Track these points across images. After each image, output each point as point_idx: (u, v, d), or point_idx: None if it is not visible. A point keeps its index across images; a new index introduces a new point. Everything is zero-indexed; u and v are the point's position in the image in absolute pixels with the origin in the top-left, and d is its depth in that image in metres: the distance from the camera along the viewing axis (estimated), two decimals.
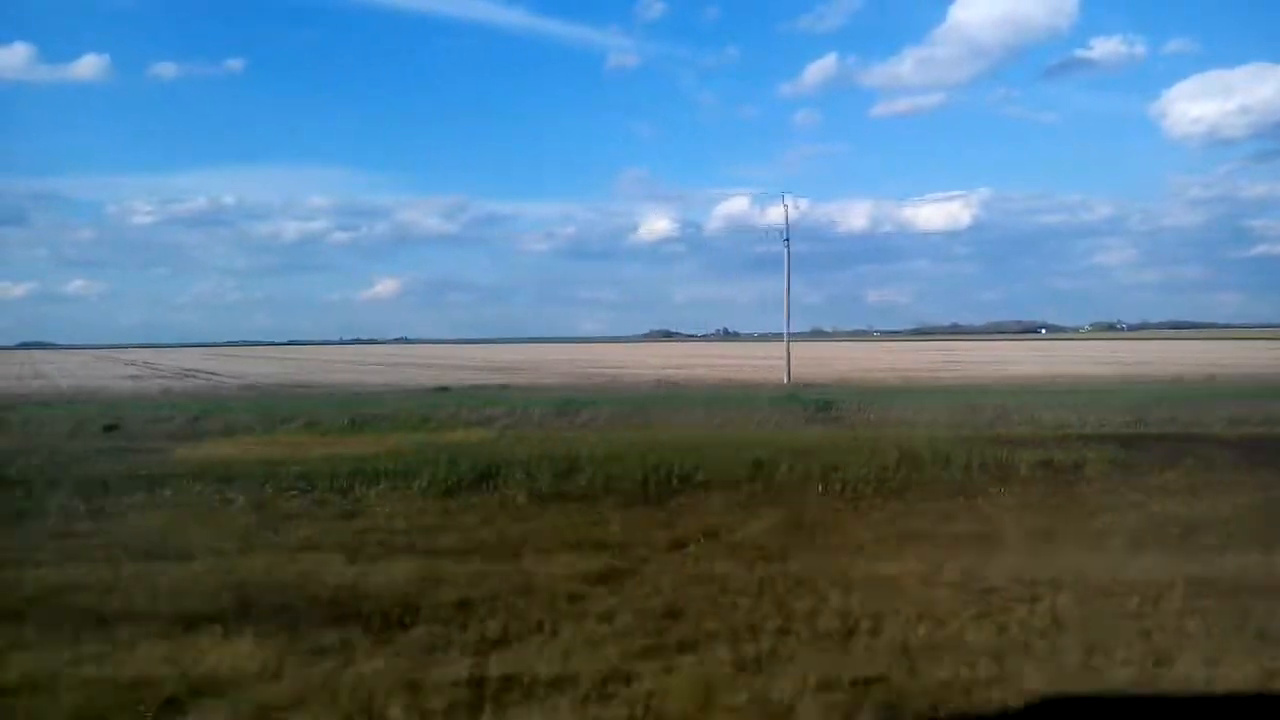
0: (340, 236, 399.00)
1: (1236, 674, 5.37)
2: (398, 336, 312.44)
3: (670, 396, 32.63)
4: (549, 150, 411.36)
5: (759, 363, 61.46)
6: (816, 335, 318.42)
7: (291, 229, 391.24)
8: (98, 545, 9.15)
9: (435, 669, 5.68)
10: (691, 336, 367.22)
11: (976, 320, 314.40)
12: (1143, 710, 3.61)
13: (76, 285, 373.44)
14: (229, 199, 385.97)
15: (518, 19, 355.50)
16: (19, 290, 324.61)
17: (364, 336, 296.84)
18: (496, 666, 5.66)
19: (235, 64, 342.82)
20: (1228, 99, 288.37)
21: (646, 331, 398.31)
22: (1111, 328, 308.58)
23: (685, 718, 5.03)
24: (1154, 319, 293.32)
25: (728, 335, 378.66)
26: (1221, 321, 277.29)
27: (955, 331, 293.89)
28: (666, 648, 6.09)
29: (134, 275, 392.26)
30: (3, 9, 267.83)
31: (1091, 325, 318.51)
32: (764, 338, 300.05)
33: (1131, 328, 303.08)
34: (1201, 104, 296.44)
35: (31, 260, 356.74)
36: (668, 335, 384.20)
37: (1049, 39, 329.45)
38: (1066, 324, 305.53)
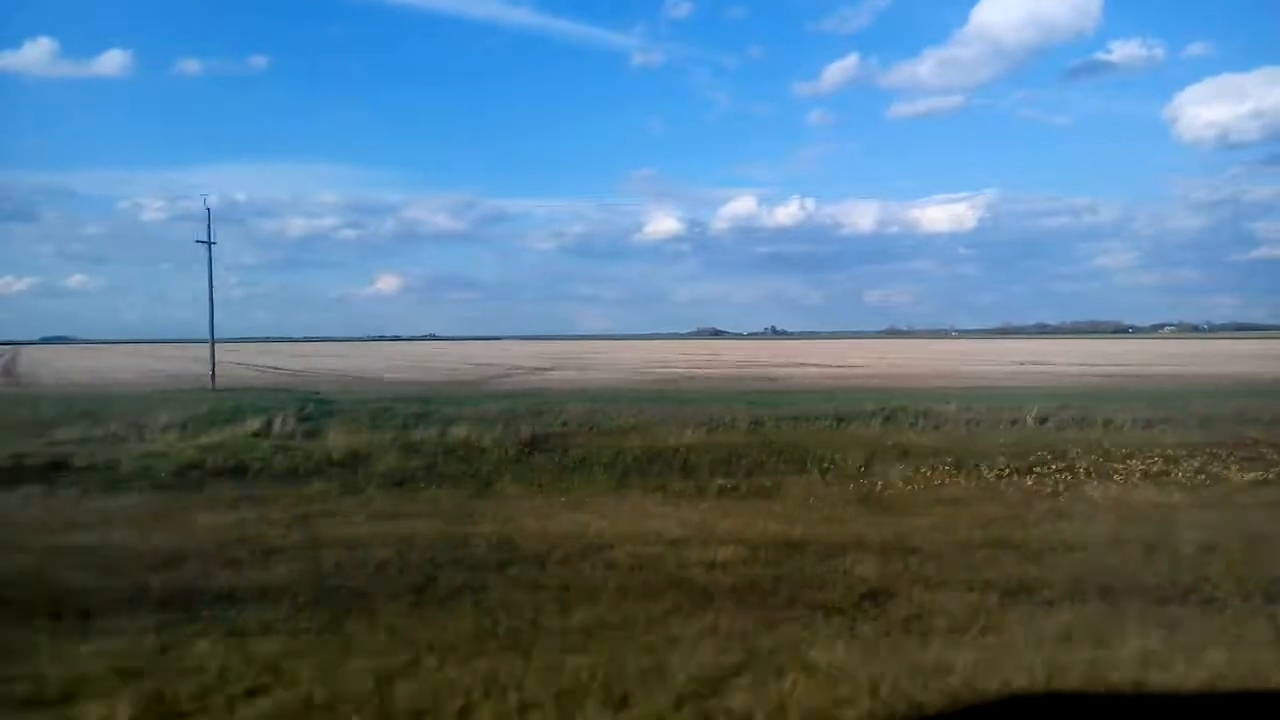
0: (347, 233, 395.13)
1: None
2: (428, 333, 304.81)
3: None
4: (558, 149, 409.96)
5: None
6: (892, 334, 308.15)
7: (299, 225, 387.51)
8: None
9: None
10: (739, 335, 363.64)
11: (979, 321, 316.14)
12: (1142, 707, 3.26)
13: (77, 280, 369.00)
14: (240, 195, 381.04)
15: (531, 18, 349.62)
16: (21, 285, 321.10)
17: (374, 333, 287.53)
18: None
19: (258, 61, 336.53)
20: (1241, 103, 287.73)
21: (694, 329, 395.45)
22: (1195, 329, 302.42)
23: None
24: (1145, 321, 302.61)
25: (776, 334, 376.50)
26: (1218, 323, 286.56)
27: (1042, 332, 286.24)
28: None
29: (137, 270, 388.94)
30: (27, 4, 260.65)
31: (1172, 327, 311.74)
32: (815, 335, 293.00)
33: (1213, 328, 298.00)
34: (1214, 107, 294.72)
35: (36, 255, 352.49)
36: (716, 333, 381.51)
37: (1073, 40, 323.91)
38: (1059, 324, 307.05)
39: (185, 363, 69.71)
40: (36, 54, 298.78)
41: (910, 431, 21.12)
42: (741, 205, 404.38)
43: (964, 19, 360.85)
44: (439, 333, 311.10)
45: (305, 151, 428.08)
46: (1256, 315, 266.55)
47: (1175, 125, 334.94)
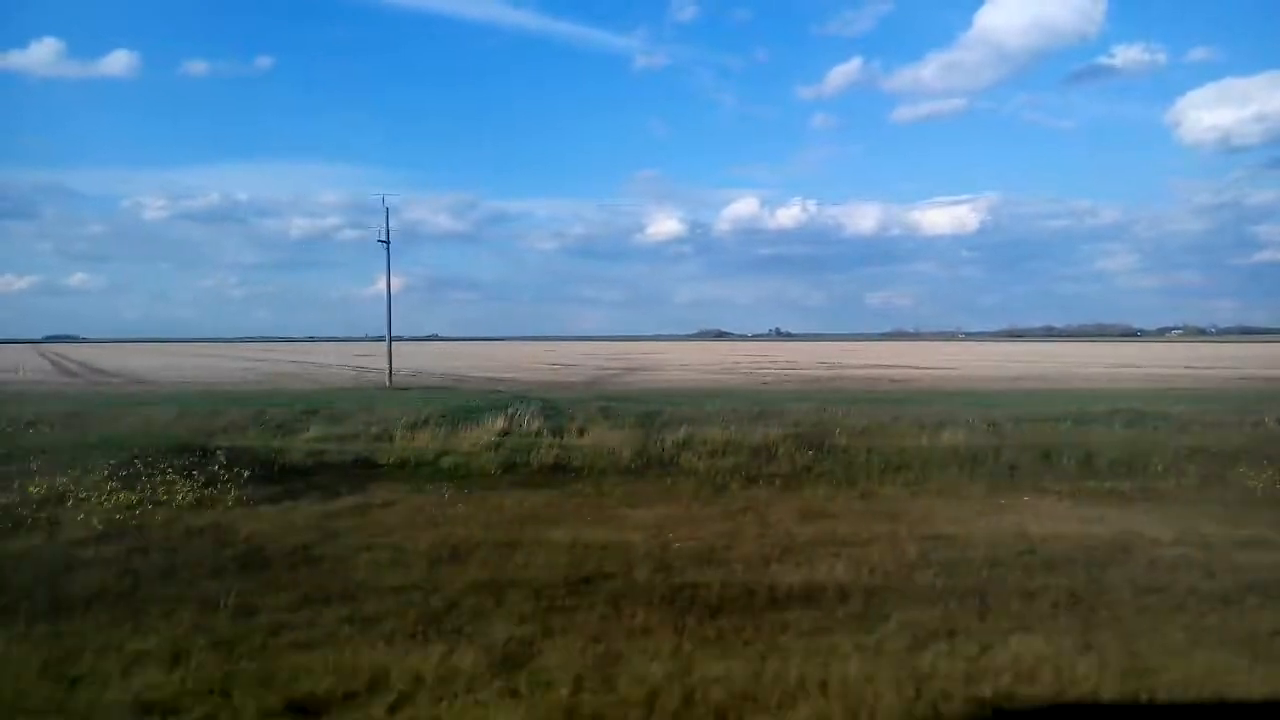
0: (349, 234, 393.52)
1: None
2: (430, 334, 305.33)
3: None
4: (560, 150, 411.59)
5: None
6: (898, 336, 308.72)
7: (301, 225, 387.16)
8: None
9: None
10: (743, 336, 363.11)
11: (983, 324, 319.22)
12: (1143, 716, 3.53)
13: (79, 279, 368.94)
14: (242, 195, 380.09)
15: (534, 20, 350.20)
16: (22, 283, 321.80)
17: (375, 333, 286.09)
18: None
19: (263, 62, 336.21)
20: (1244, 106, 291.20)
21: (697, 331, 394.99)
22: (1201, 332, 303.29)
23: None
24: (1149, 324, 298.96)
25: (781, 335, 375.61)
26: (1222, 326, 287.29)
27: (1050, 334, 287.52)
28: None
29: (139, 270, 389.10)
30: (33, 4, 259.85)
31: (1178, 331, 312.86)
32: (820, 337, 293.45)
33: (1219, 331, 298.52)
34: (1217, 111, 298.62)
35: (37, 254, 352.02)
36: (720, 335, 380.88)
37: (1076, 44, 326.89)
38: (1065, 326, 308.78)
39: (274, 364, 69.23)
40: (42, 54, 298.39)
41: (1156, 434, 21.20)
42: (743, 207, 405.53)
43: (967, 23, 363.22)
44: (441, 333, 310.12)
45: (307, 151, 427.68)
46: (1258, 319, 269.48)
47: (1178, 129, 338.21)
